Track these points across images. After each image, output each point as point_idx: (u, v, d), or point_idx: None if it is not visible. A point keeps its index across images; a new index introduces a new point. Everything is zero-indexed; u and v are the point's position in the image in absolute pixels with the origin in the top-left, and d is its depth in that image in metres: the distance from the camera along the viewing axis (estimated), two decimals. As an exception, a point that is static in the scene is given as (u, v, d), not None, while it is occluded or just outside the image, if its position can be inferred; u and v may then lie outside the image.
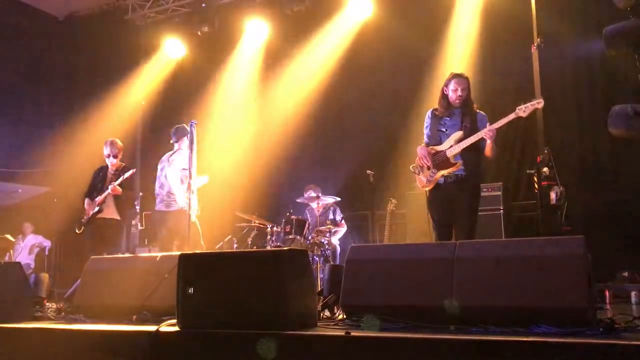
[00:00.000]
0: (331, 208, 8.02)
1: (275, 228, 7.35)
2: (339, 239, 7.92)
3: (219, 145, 8.59)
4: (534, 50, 7.01)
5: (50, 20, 10.24)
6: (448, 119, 4.89)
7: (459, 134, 4.77)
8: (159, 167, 6.63)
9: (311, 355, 2.78)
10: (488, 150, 4.71)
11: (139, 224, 8.95)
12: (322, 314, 3.65)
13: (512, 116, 4.64)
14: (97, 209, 6.33)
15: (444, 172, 4.77)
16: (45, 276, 5.03)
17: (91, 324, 3.75)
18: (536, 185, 6.64)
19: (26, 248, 9.47)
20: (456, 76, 4.87)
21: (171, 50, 9.90)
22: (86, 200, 6.49)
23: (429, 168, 4.86)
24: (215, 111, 8.90)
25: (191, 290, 3.21)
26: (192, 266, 3.29)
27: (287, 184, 8.53)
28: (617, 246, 6.42)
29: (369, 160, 8.30)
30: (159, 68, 10.13)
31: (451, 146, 4.78)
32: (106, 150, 6.61)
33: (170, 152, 6.56)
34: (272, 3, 9.24)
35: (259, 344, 2.84)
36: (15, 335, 3.65)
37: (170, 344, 3.14)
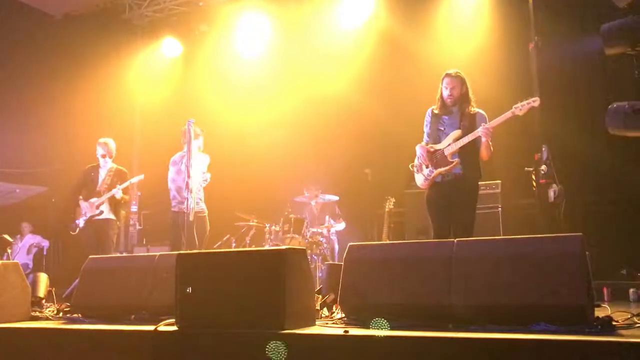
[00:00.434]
0: (329, 206, 8.03)
1: (273, 227, 7.36)
2: (338, 238, 7.93)
3: (217, 145, 8.57)
4: (531, 48, 7.03)
5: (47, 19, 10.22)
6: (447, 117, 4.91)
7: (457, 132, 4.79)
8: (173, 168, 6.54)
9: (310, 354, 2.78)
10: (483, 149, 4.72)
11: (137, 223, 8.95)
12: (320, 313, 3.65)
13: (508, 115, 4.65)
14: (97, 211, 6.43)
15: (442, 170, 4.80)
16: (43, 276, 5.01)
17: (89, 323, 3.74)
18: (534, 183, 6.66)
19: (24, 248, 9.46)
20: (446, 75, 4.92)
21: (169, 49, 9.90)
22: (81, 202, 6.53)
23: (427, 166, 4.88)
24: (212, 110, 8.89)
25: (189, 290, 3.20)
26: (190, 266, 3.29)
27: (285, 183, 8.52)
28: (615, 244, 6.43)
29: (367, 159, 8.31)
30: (157, 67, 10.13)
31: (449, 145, 4.80)
32: (101, 150, 6.65)
33: (182, 153, 6.39)
34: (270, 1, 9.24)
35: (258, 343, 2.84)
36: (13, 335, 3.65)
37: (169, 343, 3.13)
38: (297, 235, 7.15)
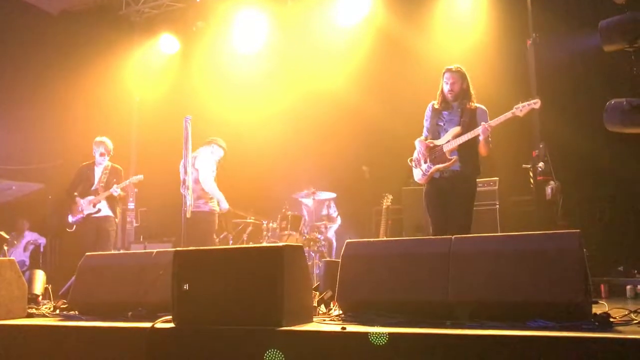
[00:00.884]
0: (326, 203, 8.03)
1: (271, 224, 7.36)
2: (335, 234, 7.93)
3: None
4: (529, 45, 7.02)
5: (44, 15, 10.18)
6: (446, 112, 4.91)
7: (456, 129, 4.79)
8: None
9: (307, 351, 2.77)
10: (481, 147, 4.72)
11: (134, 220, 8.93)
12: (318, 310, 3.64)
13: (508, 115, 4.66)
14: (95, 209, 6.54)
15: (440, 167, 4.80)
16: (40, 273, 5.01)
17: (86, 321, 3.73)
18: (532, 180, 6.66)
19: (21, 245, 9.44)
20: (447, 71, 4.92)
21: (166, 46, 9.87)
22: (78, 199, 6.61)
23: (425, 161, 4.88)
24: (210, 107, 8.87)
25: (186, 287, 3.19)
26: (187, 262, 3.28)
27: (282, 180, 8.51)
28: (613, 241, 6.44)
29: (364, 156, 8.30)
30: (154, 63, 10.10)
31: (448, 141, 4.79)
32: (101, 149, 6.75)
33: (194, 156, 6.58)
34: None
35: (255, 340, 2.84)
36: (9, 332, 3.64)
37: (166, 340, 3.13)
38: (294, 232, 7.15)
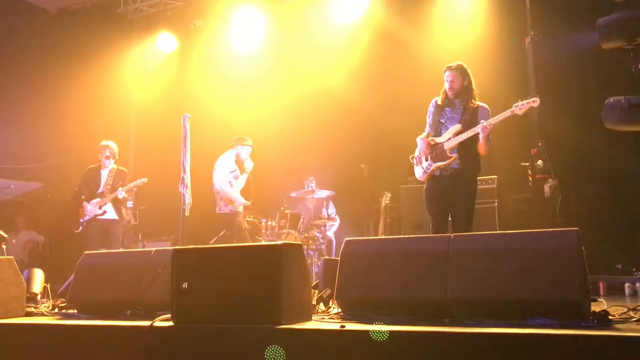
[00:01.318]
0: (325, 202, 8.03)
1: (269, 222, 7.35)
2: (334, 233, 7.93)
3: (213, 140, 8.55)
4: (528, 42, 7.01)
5: (42, 13, 10.15)
6: (449, 109, 4.92)
7: (457, 127, 4.80)
8: (231, 174, 7.04)
9: (306, 349, 2.77)
10: (480, 145, 4.73)
11: (133, 219, 8.91)
12: (317, 308, 3.65)
13: (507, 113, 4.66)
14: (100, 211, 6.74)
15: (440, 164, 4.81)
16: (38, 272, 5.00)
17: (85, 319, 3.73)
18: (530, 178, 6.66)
19: (19, 244, 9.42)
20: (447, 68, 4.93)
21: (164, 44, 9.85)
22: (85, 203, 6.79)
23: (426, 159, 4.89)
24: (208, 105, 8.86)
25: (185, 285, 3.19)
26: (186, 261, 3.28)
27: (281, 179, 8.51)
28: (611, 238, 6.44)
29: (362, 154, 8.30)
30: (152, 62, 10.08)
31: (448, 139, 4.80)
32: (107, 152, 6.93)
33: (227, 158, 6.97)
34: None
35: (254, 339, 2.84)
36: (8, 331, 3.63)
37: (165, 339, 3.13)
38: (293, 231, 7.15)
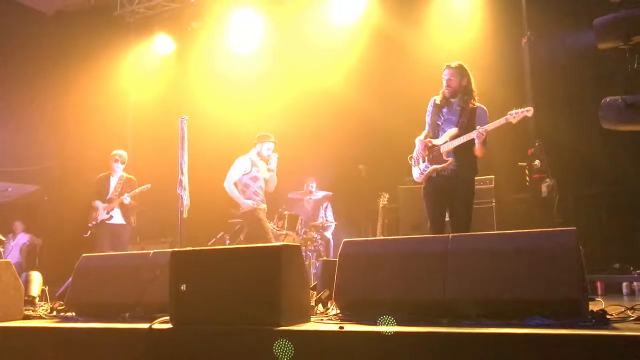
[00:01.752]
0: (323, 203, 8.03)
1: (268, 224, 7.33)
2: (332, 234, 7.93)
3: (210, 141, 8.55)
4: (524, 43, 7.03)
5: (38, 16, 10.15)
6: (446, 110, 4.92)
7: (454, 131, 4.81)
8: (248, 173, 6.93)
9: (305, 351, 2.77)
10: (477, 149, 4.74)
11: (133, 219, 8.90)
12: (315, 309, 3.65)
13: (502, 121, 4.68)
14: (107, 215, 7.06)
15: (437, 167, 4.83)
16: (36, 275, 4.99)
17: (83, 322, 3.72)
18: (528, 178, 6.67)
19: (17, 247, 9.41)
20: (446, 67, 4.94)
21: (161, 46, 9.84)
22: (98, 204, 7.13)
23: (423, 160, 4.91)
24: (205, 107, 8.85)
25: (184, 287, 3.19)
26: (184, 263, 3.28)
27: (279, 180, 8.50)
28: (609, 238, 6.46)
29: (360, 155, 8.30)
30: (149, 64, 10.07)
31: (445, 142, 4.81)
32: (115, 157, 7.27)
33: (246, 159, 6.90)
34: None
35: (253, 340, 2.83)
36: (6, 334, 3.62)
37: (164, 341, 3.12)
38: (291, 232, 7.15)
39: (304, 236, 7.24)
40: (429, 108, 5.05)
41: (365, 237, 7.83)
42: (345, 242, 3.51)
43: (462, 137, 4.74)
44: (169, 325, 3.17)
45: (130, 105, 10.26)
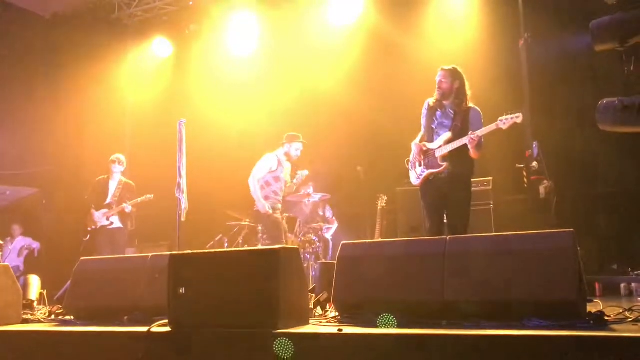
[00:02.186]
0: (321, 205, 8.03)
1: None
2: (331, 236, 7.92)
3: (209, 144, 8.55)
4: (521, 45, 7.04)
5: (36, 19, 10.14)
6: (440, 113, 4.92)
7: (447, 135, 4.82)
8: (270, 174, 6.97)
9: (304, 353, 2.78)
10: (471, 153, 4.75)
11: (130, 224, 8.89)
12: (314, 312, 3.65)
13: (493, 127, 4.70)
14: (108, 222, 7.18)
15: (433, 171, 4.86)
16: (34, 278, 4.99)
17: (82, 326, 3.72)
18: (525, 180, 6.68)
19: (15, 250, 9.38)
20: (440, 69, 4.94)
21: (159, 49, 9.85)
22: (92, 211, 7.21)
23: (419, 164, 4.92)
24: (203, 109, 8.86)
25: (182, 290, 3.19)
26: (183, 266, 3.28)
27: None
28: (607, 239, 6.46)
29: (359, 157, 8.30)
30: (147, 67, 10.08)
31: (440, 147, 4.83)
32: (119, 166, 7.37)
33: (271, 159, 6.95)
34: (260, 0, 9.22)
35: (252, 343, 2.84)
36: (4, 338, 3.62)
37: (162, 344, 3.12)
38: (290, 234, 7.14)
39: (303, 238, 7.23)
40: (424, 110, 5.06)
41: (363, 239, 7.83)
42: (343, 244, 3.51)
43: (455, 142, 4.76)
44: (168, 329, 3.17)
45: (129, 108, 10.26)
